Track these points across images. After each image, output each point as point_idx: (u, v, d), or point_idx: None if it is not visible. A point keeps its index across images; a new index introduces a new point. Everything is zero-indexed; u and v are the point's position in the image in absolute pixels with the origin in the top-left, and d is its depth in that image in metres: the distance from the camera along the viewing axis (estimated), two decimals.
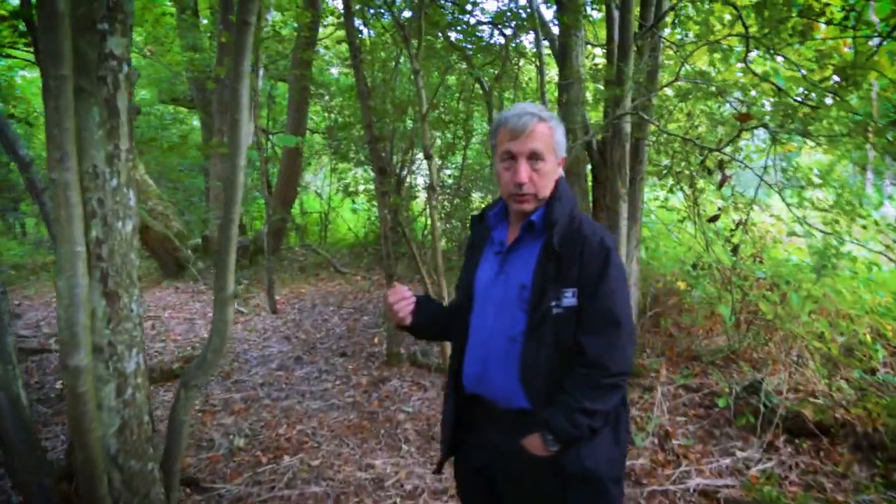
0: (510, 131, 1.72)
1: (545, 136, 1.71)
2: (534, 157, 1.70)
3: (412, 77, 7.70)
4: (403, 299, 1.86)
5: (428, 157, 4.01)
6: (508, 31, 5.72)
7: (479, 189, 9.48)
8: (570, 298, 1.65)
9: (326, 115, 11.82)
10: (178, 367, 5.10)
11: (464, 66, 5.99)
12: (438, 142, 9.33)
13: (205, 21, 10.92)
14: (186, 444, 3.81)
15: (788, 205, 3.86)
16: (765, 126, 3.22)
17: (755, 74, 3.45)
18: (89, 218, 1.70)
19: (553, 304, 1.65)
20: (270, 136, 12.49)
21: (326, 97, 11.46)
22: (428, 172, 4.20)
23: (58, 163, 1.56)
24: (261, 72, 9.07)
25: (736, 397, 4.20)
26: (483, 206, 10.12)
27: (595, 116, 6.02)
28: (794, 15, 2.95)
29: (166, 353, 5.75)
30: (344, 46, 10.89)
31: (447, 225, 9.27)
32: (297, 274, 9.44)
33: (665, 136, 4.69)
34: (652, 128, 4.61)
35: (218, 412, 4.36)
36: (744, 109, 3.66)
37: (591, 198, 5.12)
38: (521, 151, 1.70)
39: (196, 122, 12.75)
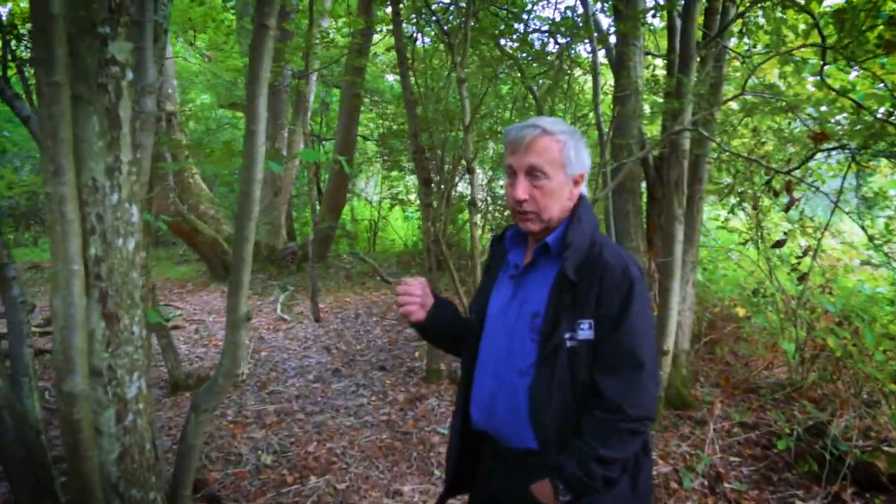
0: (509, 144, 1.61)
1: (548, 149, 1.56)
2: (533, 172, 1.56)
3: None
4: (411, 295, 1.72)
5: (470, 170, 3.83)
6: (563, 40, 5.51)
7: None
8: (586, 331, 1.50)
9: (381, 122, 11.81)
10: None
11: (517, 75, 5.81)
12: (491, 152, 9.15)
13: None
14: (214, 458, 3.75)
15: (868, 233, 3.46)
16: (843, 147, 2.91)
17: (831, 89, 3.14)
18: (88, 234, 1.59)
19: (567, 335, 1.50)
20: (323, 143, 12.58)
21: (381, 104, 11.45)
22: (470, 185, 4.02)
23: (52, 175, 1.46)
24: (313, 78, 9.10)
25: (797, 439, 3.85)
26: None
27: (652, 131, 5.72)
28: (879, 23, 2.66)
29: (206, 360, 5.73)
30: (395, 54, 10.88)
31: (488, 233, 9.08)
32: (343, 282, 9.39)
33: (728, 153, 4.38)
34: (713, 144, 4.32)
35: (250, 424, 4.27)
36: (817, 127, 3.34)
37: (644, 216, 4.84)
38: (519, 166, 1.57)
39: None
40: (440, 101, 6.27)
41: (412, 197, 11.93)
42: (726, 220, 5.81)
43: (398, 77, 12.47)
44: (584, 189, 1.66)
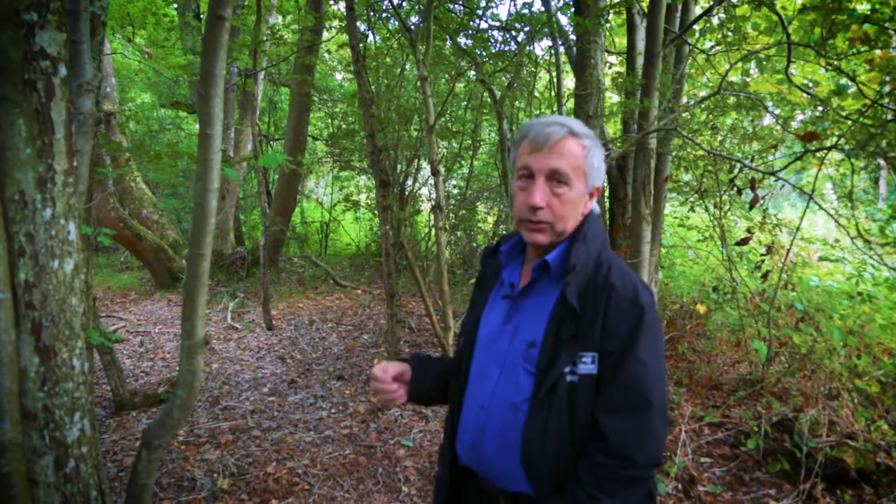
0: (531, 142, 1.39)
1: (574, 155, 1.37)
2: (555, 177, 1.37)
3: (417, 84, 7.41)
4: (387, 387, 1.55)
5: (435, 172, 3.67)
6: (520, 37, 5.40)
7: (484, 200, 9.15)
8: (588, 364, 1.32)
9: (329, 121, 11.52)
10: (163, 390, 4.76)
11: (472, 73, 5.67)
12: (444, 151, 9.00)
13: None
14: (166, 484, 3.49)
15: (853, 232, 3.41)
16: (837, 148, 2.86)
17: (796, 86, 3.11)
18: (15, 257, 1.36)
19: (567, 370, 1.32)
20: (272, 143, 12.21)
21: (330, 103, 11.17)
22: (434, 188, 3.85)
23: None
24: (261, 76, 8.78)
25: (765, 436, 3.84)
26: (489, 217, 9.86)
27: (612, 129, 5.68)
28: (851, 22, 2.62)
29: (153, 374, 5.41)
30: (347, 51, 10.62)
31: (451, 237, 8.94)
32: (296, 287, 9.09)
33: (691, 151, 4.35)
34: (676, 141, 4.28)
35: (203, 444, 4.01)
36: (804, 128, 3.30)
37: (607, 217, 4.78)
38: (540, 168, 1.37)
39: (198, 127, 12.48)
40: (394, 100, 6.09)
41: (363, 197, 11.69)
42: (686, 217, 5.82)
43: (347, 75, 12.24)
44: (595, 204, 1.48)
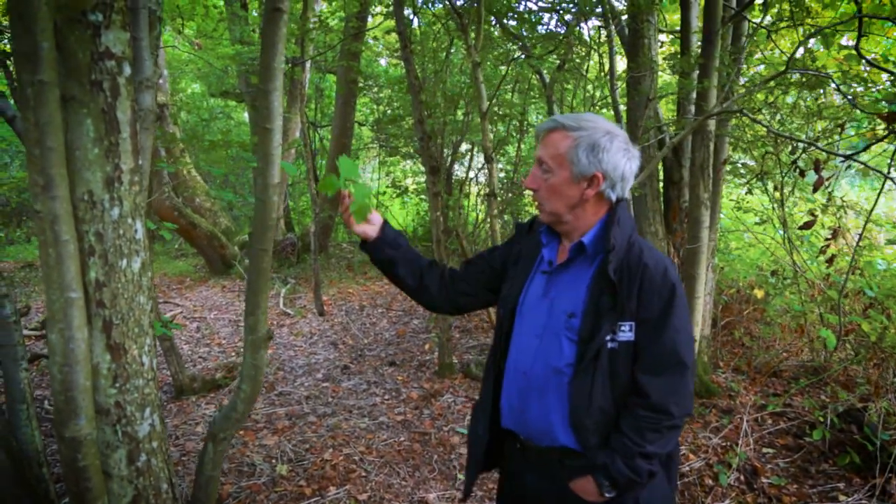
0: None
1: (555, 144, 1.55)
2: (541, 164, 1.58)
3: (462, 68, 7.33)
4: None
5: (489, 159, 3.61)
6: (568, 17, 5.27)
7: None
8: (627, 333, 1.51)
9: (375, 107, 11.52)
10: (220, 376, 4.88)
11: (521, 55, 5.57)
12: (490, 135, 8.92)
13: (255, 13, 10.74)
14: (227, 469, 3.57)
15: None
16: None
17: (869, 62, 2.94)
18: (86, 256, 1.39)
19: (608, 337, 1.51)
20: (319, 130, 12.31)
21: (375, 89, 11.18)
22: (487, 175, 3.80)
23: (42, 190, 1.24)
24: (308, 64, 8.83)
25: (831, 426, 3.70)
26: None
27: (666, 111, 5.51)
28: None
29: (210, 360, 5.55)
30: (393, 37, 10.58)
31: (500, 221, 8.87)
32: (345, 272, 9.19)
33: (749, 132, 4.18)
34: (733, 122, 4.11)
35: (261, 430, 4.10)
36: (885, 108, 3.12)
37: (660, 202, 4.65)
38: (536, 157, 1.61)
39: (246, 116, 12.66)
40: (440, 84, 6.02)
41: (409, 181, 11.70)
42: (742, 199, 5.62)
43: (392, 60, 12.22)
44: (619, 191, 1.59)
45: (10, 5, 1.18)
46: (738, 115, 3.46)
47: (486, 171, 3.65)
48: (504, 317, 1.69)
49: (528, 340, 1.62)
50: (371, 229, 1.77)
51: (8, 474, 1.85)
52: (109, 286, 1.42)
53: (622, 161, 1.54)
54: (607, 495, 1.53)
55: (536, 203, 1.61)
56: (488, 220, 4.46)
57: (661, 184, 4.75)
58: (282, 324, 6.68)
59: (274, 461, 3.63)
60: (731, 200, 6.01)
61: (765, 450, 3.73)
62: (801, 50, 3.68)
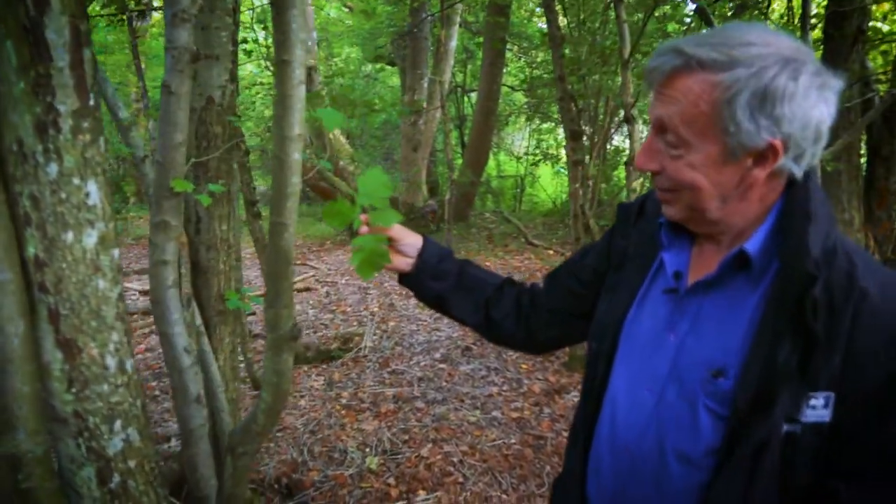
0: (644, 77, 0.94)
1: (689, 96, 0.84)
2: (663, 131, 0.88)
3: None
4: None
5: (628, 119, 2.96)
6: None
7: None
8: (819, 410, 0.83)
9: (528, 70, 10.90)
10: (335, 347, 4.69)
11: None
12: (631, 88, 8.00)
13: None
14: (317, 453, 3.33)
15: None
16: None
17: None
18: (22, 225, 1.04)
19: (786, 417, 0.83)
20: (469, 94, 11.93)
21: (530, 51, 10.57)
22: (629, 138, 3.15)
23: None
24: (456, 22, 8.42)
25: None
26: None
27: (876, 64, 4.42)
28: None
29: (331, 328, 5.41)
30: None
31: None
32: (485, 244, 8.78)
33: None
34: None
35: (364, 411, 3.82)
36: None
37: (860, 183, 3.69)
38: (651, 117, 0.90)
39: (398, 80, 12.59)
40: (587, 37, 5.30)
41: (562, 151, 11.02)
42: None
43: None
44: (808, 158, 0.87)
45: None
46: None
47: (628, 133, 3.00)
48: (597, 355, 1.06)
49: (636, 399, 0.99)
50: (403, 262, 1.23)
51: None
52: (51, 266, 1.07)
53: (815, 109, 0.82)
54: None
55: (658, 191, 0.95)
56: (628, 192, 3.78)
57: (864, 158, 3.76)
58: (409, 294, 6.42)
59: (368, 450, 3.32)
60: None
61: None
62: None
